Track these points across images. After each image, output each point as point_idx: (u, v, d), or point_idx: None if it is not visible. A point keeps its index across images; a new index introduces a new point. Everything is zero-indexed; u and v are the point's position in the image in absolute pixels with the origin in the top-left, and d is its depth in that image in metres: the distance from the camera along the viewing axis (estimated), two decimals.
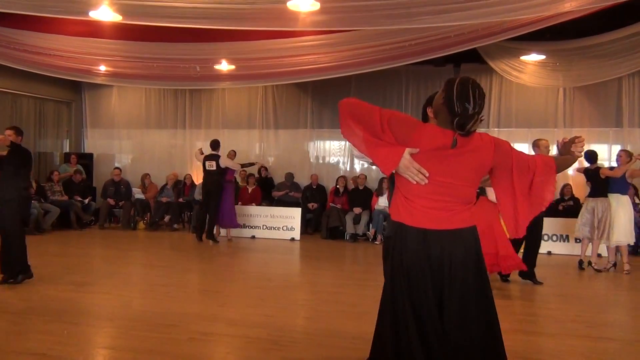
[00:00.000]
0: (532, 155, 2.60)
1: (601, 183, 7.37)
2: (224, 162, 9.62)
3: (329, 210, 10.67)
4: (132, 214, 11.61)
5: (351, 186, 11.05)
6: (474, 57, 9.58)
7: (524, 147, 11.16)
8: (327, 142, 12.49)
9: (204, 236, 9.61)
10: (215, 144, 9.79)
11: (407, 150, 2.33)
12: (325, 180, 11.98)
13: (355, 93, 11.76)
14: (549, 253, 8.93)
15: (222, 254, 9.08)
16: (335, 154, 12.46)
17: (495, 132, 11.07)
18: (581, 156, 2.76)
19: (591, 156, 7.56)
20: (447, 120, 2.34)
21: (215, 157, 9.62)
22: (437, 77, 11.31)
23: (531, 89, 10.69)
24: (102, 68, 9.81)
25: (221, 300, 5.72)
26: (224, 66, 9.46)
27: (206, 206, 9.65)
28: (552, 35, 8.31)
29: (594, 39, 8.63)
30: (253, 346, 4.09)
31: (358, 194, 10.70)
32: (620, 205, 7.27)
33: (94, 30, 7.89)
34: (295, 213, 10.43)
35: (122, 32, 7.93)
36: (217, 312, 5.15)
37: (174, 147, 13.20)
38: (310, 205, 11.07)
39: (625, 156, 7.34)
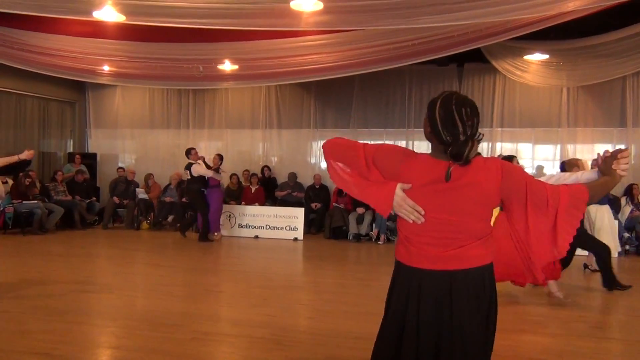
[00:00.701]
0: (555, 187, 2.15)
1: None
2: (195, 170, 9.70)
3: (332, 210, 10.67)
4: (135, 214, 11.63)
5: None
6: (477, 56, 9.56)
7: (528, 147, 11.17)
8: None
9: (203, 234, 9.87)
10: (186, 152, 9.98)
11: (399, 186, 2.07)
12: (329, 180, 11.92)
13: (358, 93, 11.77)
14: None
15: (225, 254, 9.10)
16: None
17: (498, 132, 11.07)
18: (625, 175, 2.29)
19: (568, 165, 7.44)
20: (439, 150, 2.06)
21: (188, 166, 9.77)
22: (440, 77, 11.31)
23: (535, 89, 10.66)
24: (106, 68, 9.83)
25: (224, 300, 5.73)
26: (227, 66, 9.47)
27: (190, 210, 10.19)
28: (555, 34, 8.28)
29: (597, 38, 8.60)
30: (256, 346, 4.09)
31: None
32: (598, 215, 7.14)
33: (98, 30, 7.89)
34: (299, 213, 10.43)
35: (126, 32, 7.93)
36: (220, 312, 5.17)
37: (178, 147, 13.17)
38: (313, 205, 11.07)
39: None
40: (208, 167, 9.90)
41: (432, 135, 2.07)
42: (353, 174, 2.17)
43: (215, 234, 9.88)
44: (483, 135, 2.08)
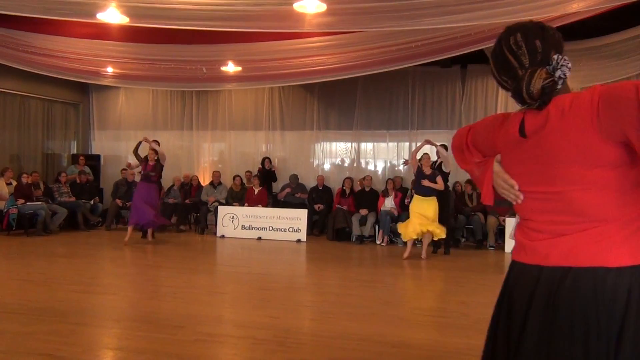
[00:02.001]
0: None
1: None
2: None
3: (335, 212, 10.66)
4: None
5: (357, 187, 11.03)
6: (480, 58, 9.52)
7: None
8: (334, 144, 12.49)
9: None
10: None
11: (495, 160, 1.64)
12: (332, 181, 11.98)
13: (361, 94, 11.77)
14: None
15: (228, 255, 9.11)
16: (341, 155, 12.47)
17: None
18: None
19: None
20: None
21: None
22: (443, 79, 11.30)
23: None
24: (110, 70, 9.86)
25: (227, 301, 5.73)
26: (231, 68, 9.48)
27: None
28: (559, 36, 8.26)
29: (602, 40, 8.59)
30: (259, 348, 4.09)
31: (364, 196, 10.68)
32: None
33: (102, 32, 7.92)
34: (302, 214, 10.42)
35: (129, 34, 7.96)
36: (223, 314, 5.16)
37: (181, 148, 13.24)
38: (316, 206, 11.07)
39: None
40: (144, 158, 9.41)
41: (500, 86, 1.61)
42: (468, 163, 1.78)
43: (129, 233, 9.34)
44: (559, 56, 1.49)
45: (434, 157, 8.78)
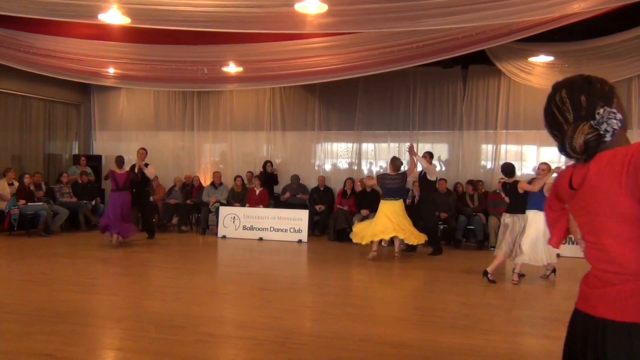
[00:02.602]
0: None
1: (520, 198, 6.70)
2: None
3: (336, 212, 10.66)
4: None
5: (358, 188, 11.03)
6: (481, 58, 9.55)
7: (532, 149, 11.14)
8: (335, 144, 12.48)
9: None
10: None
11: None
12: (333, 182, 11.98)
13: (362, 95, 11.77)
14: (558, 255, 8.86)
15: (229, 256, 9.11)
16: (342, 155, 12.46)
17: (503, 134, 11.04)
18: None
19: (508, 169, 7.07)
20: None
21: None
22: (444, 79, 11.30)
23: (539, 91, 10.61)
24: (111, 70, 9.87)
25: (229, 302, 5.74)
26: (232, 68, 9.49)
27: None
28: (560, 36, 8.26)
29: (602, 40, 8.58)
30: (260, 348, 4.10)
31: (365, 196, 10.68)
32: (533, 223, 6.58)
33: (103, 33, 7.92)
34: (303, 215, 10.43)
35: (131, 35, 7.97)
36: (224, 314, 5.17)
37: (182, 149, 13.25)
38: (317, 207, 11.07)
39: (548, 169, 6.68)
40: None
41: None
42: (555, 208, 1.85)
43: (112, 237, 9.28)
44: (606, 109, 1.51)
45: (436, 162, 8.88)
